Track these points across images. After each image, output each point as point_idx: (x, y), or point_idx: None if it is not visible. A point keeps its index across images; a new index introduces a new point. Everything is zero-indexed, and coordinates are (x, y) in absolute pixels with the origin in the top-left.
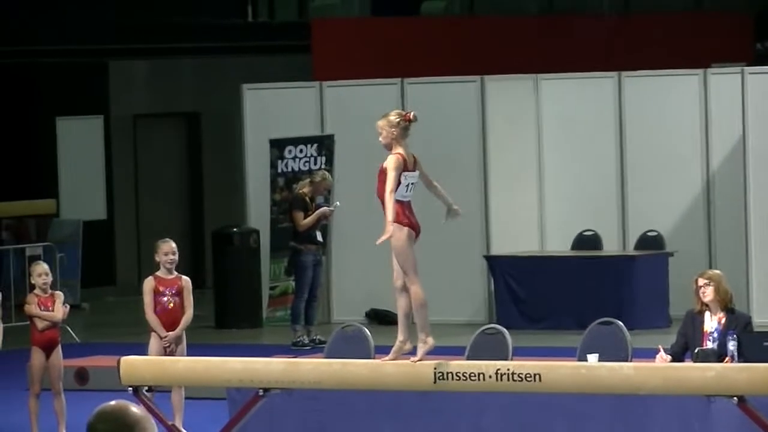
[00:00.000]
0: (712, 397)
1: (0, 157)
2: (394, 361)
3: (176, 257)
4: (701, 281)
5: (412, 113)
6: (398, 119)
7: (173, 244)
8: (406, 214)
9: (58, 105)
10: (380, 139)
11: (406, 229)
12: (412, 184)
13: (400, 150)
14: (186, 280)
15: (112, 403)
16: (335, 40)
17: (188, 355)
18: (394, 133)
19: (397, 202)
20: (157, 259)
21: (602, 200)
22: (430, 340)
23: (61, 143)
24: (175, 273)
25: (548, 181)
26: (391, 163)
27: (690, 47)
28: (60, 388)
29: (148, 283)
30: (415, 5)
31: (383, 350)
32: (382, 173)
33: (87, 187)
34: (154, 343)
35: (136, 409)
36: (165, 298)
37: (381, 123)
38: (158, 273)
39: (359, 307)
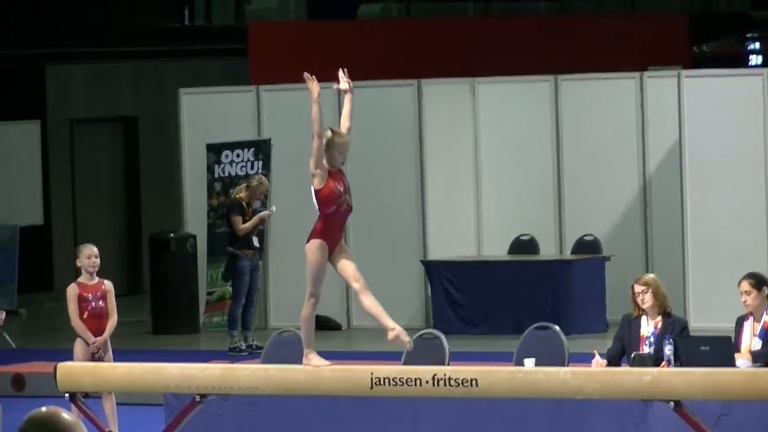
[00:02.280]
0: (648, 402)
1: None
2: (330, 367)
3: (98, 261)
4: (638, 288)
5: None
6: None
7: (95, 248)
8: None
9: None
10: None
11: (318, 240)
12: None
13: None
14: (108, 284)
15: (43, 409)
16: (272, 43)
17: (126, 360)
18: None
19: (325, 217)
20: (79, 264)
21: (539, 204)
22: (311, 356)
23: None
24: (97, 278)
25: (485, 185)
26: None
27: (627, 50)
28: None
29: (72, 290)
30: (352, 9)
31: (320, 355)
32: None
33: (24, 191)
34: (80, 349)
35: (66, 414)
36: (92, 304)
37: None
38: (80, 279)
39: (296, 313)
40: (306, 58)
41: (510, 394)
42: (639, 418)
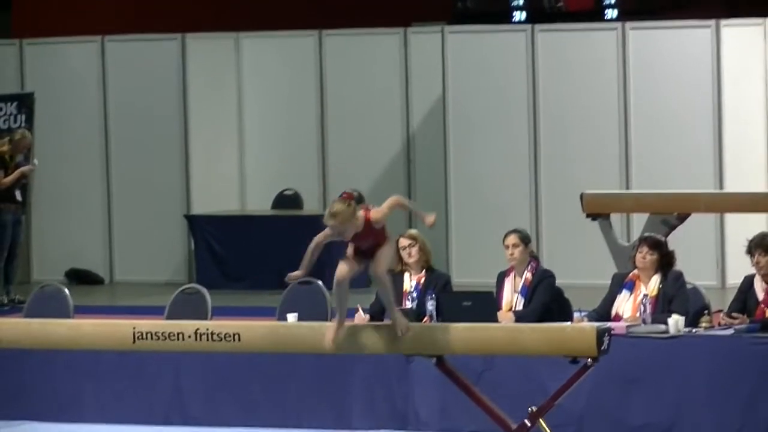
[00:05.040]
0: (410, 357)
1: None
2: (91, 321)
3: None
4: (405, 241)
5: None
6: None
7: None
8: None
9: None
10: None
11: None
12: None
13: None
14: None
15: None
16: None
17: None
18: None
19: None
20: None
21: (303, 160)
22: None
23: None
24: None
25: (249, 140)
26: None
27: (391, 5)
28: None
29: None
30: None
31: (82, 310)
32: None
33: None
34: None
35: None
36: None
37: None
38: None
39: (59, 267)
40: (69, 11)
41: (272, 348)
42: (401, 373)
